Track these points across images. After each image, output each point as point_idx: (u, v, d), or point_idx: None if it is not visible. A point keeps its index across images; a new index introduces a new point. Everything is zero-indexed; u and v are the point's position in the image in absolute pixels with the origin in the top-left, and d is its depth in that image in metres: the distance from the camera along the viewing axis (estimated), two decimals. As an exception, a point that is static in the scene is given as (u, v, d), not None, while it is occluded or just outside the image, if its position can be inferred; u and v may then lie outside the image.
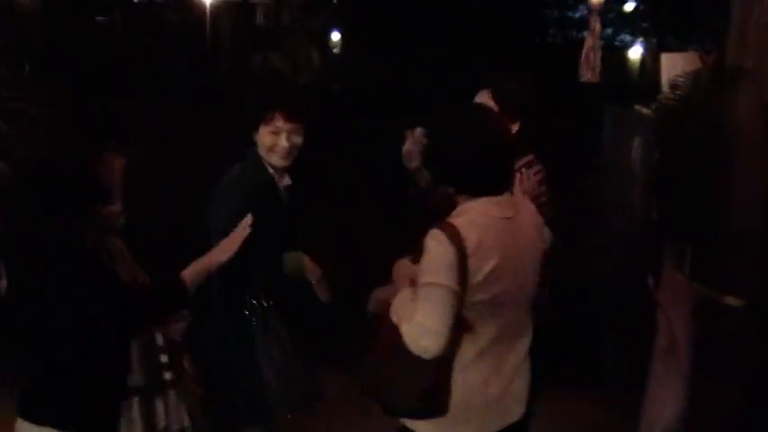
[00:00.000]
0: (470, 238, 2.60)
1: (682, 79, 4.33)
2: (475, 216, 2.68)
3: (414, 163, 3.72)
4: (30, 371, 2.53)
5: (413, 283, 2.71)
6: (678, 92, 4.32)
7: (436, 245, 2.61)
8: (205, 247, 2.93)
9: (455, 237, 2.59)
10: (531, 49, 15.85)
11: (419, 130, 3.72)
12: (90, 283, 2.40)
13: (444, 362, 2.64)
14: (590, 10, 4.67)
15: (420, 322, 2.54)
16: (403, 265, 2.86)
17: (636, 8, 19.01)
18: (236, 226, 2.88)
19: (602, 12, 4.92)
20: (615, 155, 5.70)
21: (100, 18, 19.61)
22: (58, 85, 15.19)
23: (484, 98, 3.61)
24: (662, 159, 4.50)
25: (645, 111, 5.23)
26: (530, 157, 3.72)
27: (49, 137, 2.64)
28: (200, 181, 3.97)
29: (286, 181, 3.61)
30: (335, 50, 19.83)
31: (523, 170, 3.62)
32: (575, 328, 5.51)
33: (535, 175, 3.67)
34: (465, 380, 2.71)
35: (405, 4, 15.45)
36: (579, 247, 5.00)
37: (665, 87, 4.55)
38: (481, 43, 15.51)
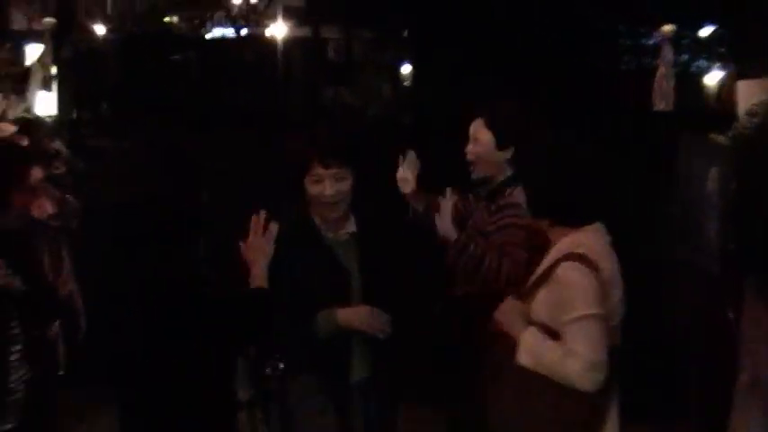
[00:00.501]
0: (603, 266, 2.66)
1: (759, 107, 4.23)
2: (594, 244, 2.72)
3: (409, 188, 3.70)
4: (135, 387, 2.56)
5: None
6: (755, 120, 4.23)
7: (580, 277, 2.63)
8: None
9: (593, 266, 2.63)
10: (604, 78, 15.63)
11: (411, 154, 3.74)
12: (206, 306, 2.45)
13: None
14: (662, 38, 4.60)
15: (586, 357, 2.57)
16: (514, 306, 2.81)
17: (712, 33, 18.69)
18: (277, 285, 2.82)
19: (677, 38, 4.83)
20: (691, 185, 5.57)
21: (174, 57, 20.13)
22: (135, 123, 15.62)
23: (478, 126, 3.70)
24: (739, 189, 4.39)
25: (721, 139, 5.11)
26: (509, 190, 3.70)
27: (139, 173, 2.68)
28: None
29: (346, 229, 3.30)
30: (406, 83, 19.92)
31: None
32: (652, 362, 5.37)
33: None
34: (609, 404, 2.78)
35: (476, 37, 15.44)
36: (655, 279, 4.89)
37: (741, 115, 4.45)
38: (553, 74, 15.39)
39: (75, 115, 17.81)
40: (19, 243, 2.69)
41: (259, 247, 2.78)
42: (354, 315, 3.02)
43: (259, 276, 2.73)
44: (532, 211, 2.91)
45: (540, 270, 2.75)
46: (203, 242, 2.72)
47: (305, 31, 24.00)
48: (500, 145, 3.66)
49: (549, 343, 2.59)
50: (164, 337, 2.45)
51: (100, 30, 23.07)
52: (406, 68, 20.23)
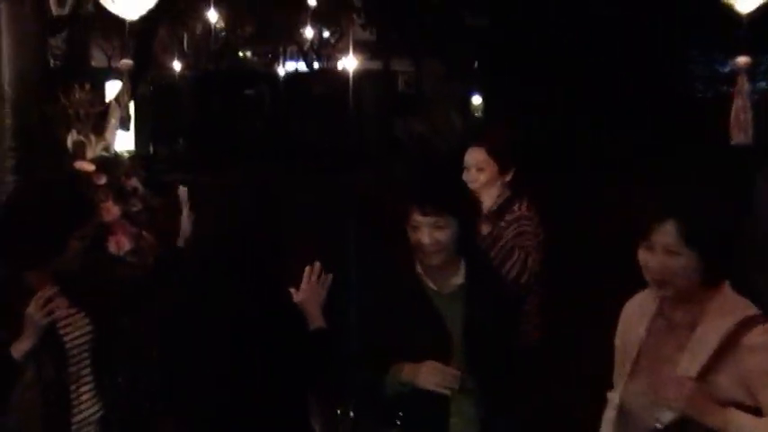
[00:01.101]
0: None
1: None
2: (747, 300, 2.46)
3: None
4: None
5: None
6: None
7: None
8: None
9: None
10: (678, 107, 15.34)
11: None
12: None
13: None
14: (737, 69, 4.44)
15: None
16: (698, 388, 2.40)
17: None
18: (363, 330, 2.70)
19: (753, 66, 4.64)
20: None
21: (248, 91, 20.48)
22: (211, 157, 15.89)
23: (476, 153, 3.59)
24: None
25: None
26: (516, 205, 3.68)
27: (219, 209, 2.62)
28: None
29: (452, 280, 2.90)
30: (477, 114, 19.88)
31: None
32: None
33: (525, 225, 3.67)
34: None
35: (547, 68, 15.33)
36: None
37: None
38: (624, 103, 15.15)
39: (151, 151, 18.27)
40: (83, 283, 2.65)
41: (311, 289, 2.65)
42: (418, 371, 2.69)
43: (315, 317, 2.62)
44: (704, 279, 2.48)
45: (710, 341, 2.36)
46: (280, 278, 2.68)
47: (376, 65, 24.23)
48: (503, 170, 3.70)
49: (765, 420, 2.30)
50: (239, 367, 2.41)
51: (176, 66, 23.67)
52: (477, 100, 20.22)
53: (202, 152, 17.16)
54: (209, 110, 18.71)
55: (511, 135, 3.89)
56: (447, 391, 2.59)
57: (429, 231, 2.71)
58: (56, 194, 2.53)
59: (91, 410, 2.49)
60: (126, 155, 4.32)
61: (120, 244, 3.63)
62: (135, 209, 3.96)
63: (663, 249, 2.27)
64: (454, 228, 2.69)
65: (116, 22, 3.99)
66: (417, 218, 2.73)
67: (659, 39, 15.53)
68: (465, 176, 3.61)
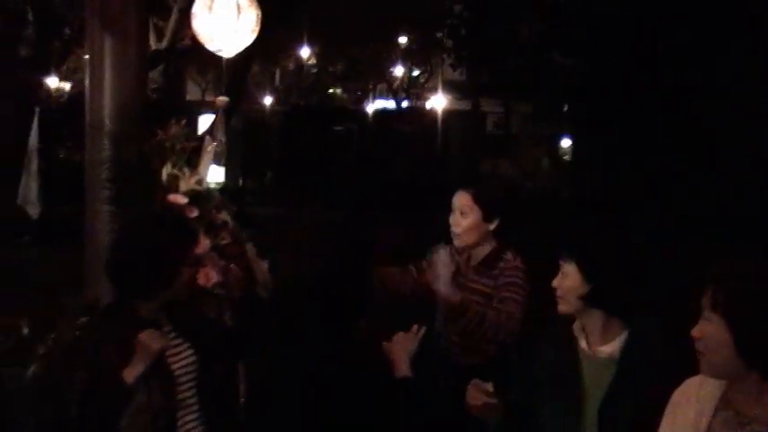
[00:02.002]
0: None
1: None
2: None
3: (443, 287, 3.42)
4: None
5: None
6: None
7: None
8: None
9: None
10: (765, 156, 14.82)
11: (444, 252, 3.51)
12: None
13: None
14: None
15: None
16: None
17: None
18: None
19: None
20: None
21: (337, 128, 20.72)
22: (299, 192, 16.11)
23: (465, 200, 3.55)
24: None
25: None
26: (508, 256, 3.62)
27: (304, 249, 2.61)
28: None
29: (605, 348, 2.58)
30: (565, 157, 19.65)
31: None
32: None
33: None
34: None
35: (638, 109, 15.05)
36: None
37: None
38: (713, 155, 14.73)
39: (240, 184, 18.63)
40: (186, 313, 2.73)
41: (403, 341, 2.62)
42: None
43: (402, 368, 2.57)
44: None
45: None
46: (364, 324, 2.64)
47: (464, 104, 24.29)
48: (487, 218, 3.62)
49: None
50: (324, 414, 2.38)
51: (267, 101, 24.16)
52: (566, 142, 19.99)
53: (290, 187, 17.42)
54: (298, 145, 18.98)
55: (498, 185, 3.89)
56: None
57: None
58: (168, 225, 2.65)
59: None
60: (215, 188, 4.36)
61: (209, 277, 3.65)
62: (224, 242, 3.97)
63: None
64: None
65: (211, 56, 4.06)
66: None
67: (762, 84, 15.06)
68: (450, 219, 3.60)
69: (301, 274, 2.46)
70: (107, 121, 3.98)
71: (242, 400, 3.99)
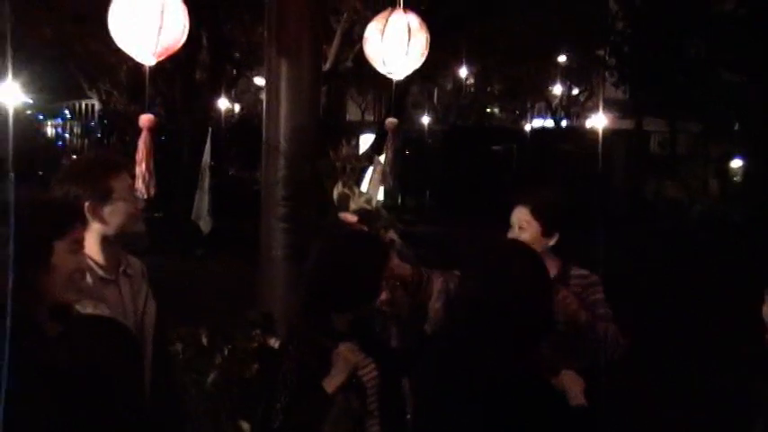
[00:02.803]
0: None
1: None
2: None
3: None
4: None
5: None
6: None
7: None
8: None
9: None
10: None
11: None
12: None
13: None
14: None
15: None
16: None
17: None
18: None
19: None
20: None
21: (496, 147, 20.66)
22: (458, 211, 16.17)
23: (523, 215, 3.39)
24: None
25: None
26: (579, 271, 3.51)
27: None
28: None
29: None
30: (736, 179, 18.74)
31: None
32: None
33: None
34: None
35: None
36: None
37: None
38: None
39: (399, 202, 18.87)
40: (370, 328, 2.85)
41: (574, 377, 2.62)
42: None
43: (578, 396, 2.55)
44: None
45: None
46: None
47: (627, 123, 23.66)
48: (546, 233, 3.40)
49: None
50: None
51: (426, 121, 24.42)
52: (736, 163, 19.08)
53: (449, 205, 17.50)
54: (456, 164, 19.05)
55: (558, 198, 3.67)
56: None
57: None
58: (368, 243, 2.81)
59: None
60: (381, 207, 4.45)
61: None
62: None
63: None
64: None
65: (371, 78, 4.16)
66: None
67: None
68: (508, 234, 3.44)
69: (492, 294, 2.45)
70: (283, 142, 4.16)
71: (408, 416, 4.05)
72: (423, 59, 4.04)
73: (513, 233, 3.48)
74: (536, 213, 3.48)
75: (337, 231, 3.61)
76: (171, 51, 3.41)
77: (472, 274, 2.35)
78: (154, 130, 3.51)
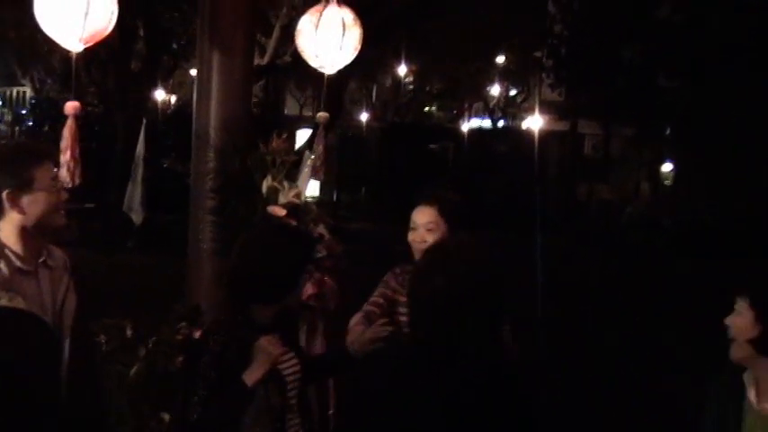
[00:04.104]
0: None
1: None
2: None
3: None
4: None
5: None
6: None
7: None
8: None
9: None
10: None
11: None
12: None
13: None
14: None
15: None
16: None
17: None
18: None
19: None
20: None
21: (432, 146, 20.79)
22: (390, 207, 16.22)
23: (429, 215, 3.35)
24: None
25: None
26: None
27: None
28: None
29: None
30: (666, 182, 19.20)
31: None
32: None
33: None
34: None
35: (745, 137, 14.59)
36: None
37: None
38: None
39: (335, 198, 18.85)
40: (292, 322, 2.85)
41: None
42: None
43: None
44: None
45: None
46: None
47: (562, 125, 24.01)
48: (451, 232, 3.46)
49: None
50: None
51: (363, 118, 24.43)
52: (667, 167, 19.54)
53: (384, 202, 17.55)
54: (393, 161, 19.11)
55: (460, 199, 3.71)
56: None
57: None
58: (291, 235, 2.77)
59: None
60: (312, 201, 4.44)
61: (305, 289, 3.71)
62: (319, 255, 4.03)
63: None
64: None
65: (310, 72, 4.15)
66: None
67: None
68: (411, 236, 3.43)
69: (464, 288, 2.49)
70: (213, 134, 4.11)
71: (330, 411, 4.05)
72: (355, 54, 4.04)
73: (419, 234, 3.38)
74: (443, 213, 3.45)
75: (264, 224, 3.59)
76: (99, 38, 3.35)
77: (437, 273, 2.35)
78: (79, 118, 3.44)
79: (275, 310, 2.62)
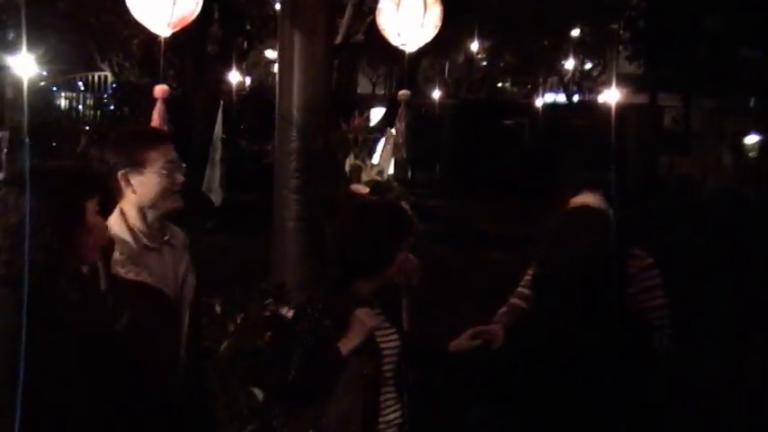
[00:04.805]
0: None
1: None
2: None
3: None
4: None
5: None
6: None
7: None
8: None
9: None
10: None
11: None
12: None
13: None
14: None
15: None
16: None
17: None
18: None
19: None
20: None
21: (507, 122, 20.56)
22: (468, 185, 16.16)
23: (593, 200, 3.30)
24: None
25: None
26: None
27: None
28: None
29: None
30: (751, 154, 18.57)
31: None
32: None
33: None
34: None
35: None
36: None
37: None
38: None
39: (409, 176, 18.76)
40: (394, 298, 2.90)
41: None
42: None
43: None
44: None
45: None
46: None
47: (641, 98, 23.47)
48: None
49: None
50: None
51: (436, 95, 24.31)
52: (751, 139, 18.93)
53: (459, 180, 17.45)
54: (467, 138, 18.98)
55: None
56: None
57: None
58: (392, 211, 2.84)
59: (393, 415, 2.69)
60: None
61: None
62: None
63: None
64: None
65: (383, 51, 4.16)
66: None
67: None
68: None
69: (571, 259, 2.55)
70: (295, 114, 4.17)
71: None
72: (436, 31, 4.04)
73: None
74: (606, 198, 3.39)
75: (365, 200, 3.65)
76: (186, 22, 3.43)
77: (575, 238, 2.48)
78: (168, 101, 3.53)
79: (375, 284, 2.68)
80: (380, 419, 2.65)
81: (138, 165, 2.50)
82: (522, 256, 3.86)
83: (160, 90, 3.44)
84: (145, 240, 2.55)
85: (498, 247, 11.60)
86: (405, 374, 2.76)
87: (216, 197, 12.51)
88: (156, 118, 3.41)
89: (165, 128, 3.43)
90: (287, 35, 4.27)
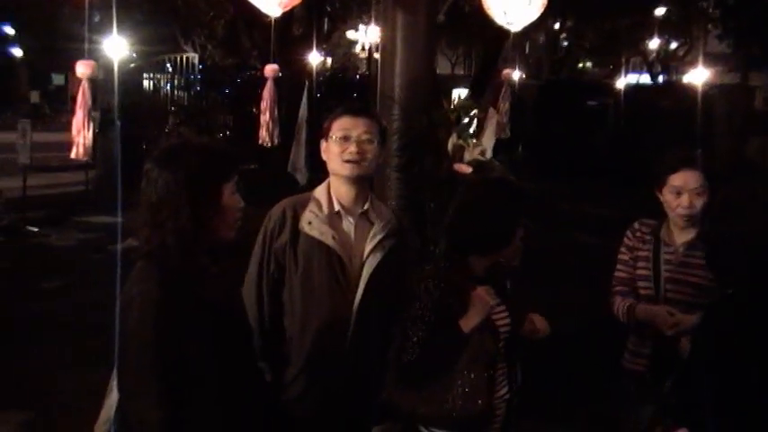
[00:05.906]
0: None
1: None
2: None
3: None
4: None
5: None
6: None
7: None
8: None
9: None
10: None
11: None
12: None
13: None
14: None
15: None
16: None
17: None
18: None
19: None
20: None
21: (590, 102, 20.22)
22: (551, 166, 15.98)
23: (697, 179, 3.24)
24: None
25: None
26: None
27: None
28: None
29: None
30: None
31: None
32: None
33: None
34: None
35: None
36: None
37: None
38: None
39: (491, 157, 18.58)
40: (504, 276, 2.88)
41: None
42: None
43: None
44: None
45: None
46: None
47: (731, 78, 22.79)
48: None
49: None
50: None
51: (517, 75, 24.08)
52: None
53: (542, 161, 17.28)
54: (550, 120, 18.74)
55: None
56: None
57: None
58: (508, 189, 2.78)
59: (503, 390, 2.69)
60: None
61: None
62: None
63: None
64: None
65: (462, 32, 4.12)
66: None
67: None
68: (676, 201, 3.21)
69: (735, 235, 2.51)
70: (398, 92, 4.19)
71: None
72: (542, 11, 4.00)
73: (686, 199, 3.25)
74: (708, 176, 3.31)
75: (484, 178, 3.63)
76: (296, 2, 3.47)
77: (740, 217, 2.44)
78: (277, 81, 3.58)
79: (490, 261, 2.67)
80: (494, 395, 2.66)
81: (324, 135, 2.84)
82: (606, 239, 3.78)
83: (271, 69, 3.49)
84: (337, 207, 2.80)
85: (582, 229, 11.47)
86: (514, 351, 2.76)
87: (301, 177, 12.66)
88: (267, 97, 3.46)
89: (275, 107, 3.49)
90: (388, 13, 4.28)
